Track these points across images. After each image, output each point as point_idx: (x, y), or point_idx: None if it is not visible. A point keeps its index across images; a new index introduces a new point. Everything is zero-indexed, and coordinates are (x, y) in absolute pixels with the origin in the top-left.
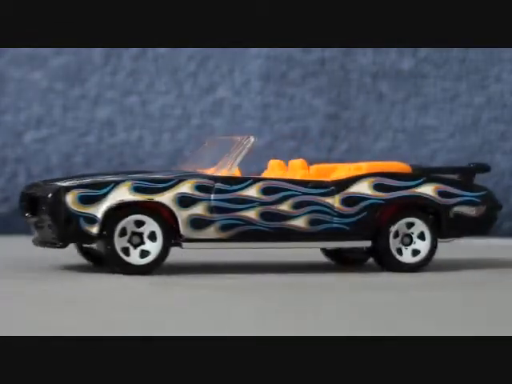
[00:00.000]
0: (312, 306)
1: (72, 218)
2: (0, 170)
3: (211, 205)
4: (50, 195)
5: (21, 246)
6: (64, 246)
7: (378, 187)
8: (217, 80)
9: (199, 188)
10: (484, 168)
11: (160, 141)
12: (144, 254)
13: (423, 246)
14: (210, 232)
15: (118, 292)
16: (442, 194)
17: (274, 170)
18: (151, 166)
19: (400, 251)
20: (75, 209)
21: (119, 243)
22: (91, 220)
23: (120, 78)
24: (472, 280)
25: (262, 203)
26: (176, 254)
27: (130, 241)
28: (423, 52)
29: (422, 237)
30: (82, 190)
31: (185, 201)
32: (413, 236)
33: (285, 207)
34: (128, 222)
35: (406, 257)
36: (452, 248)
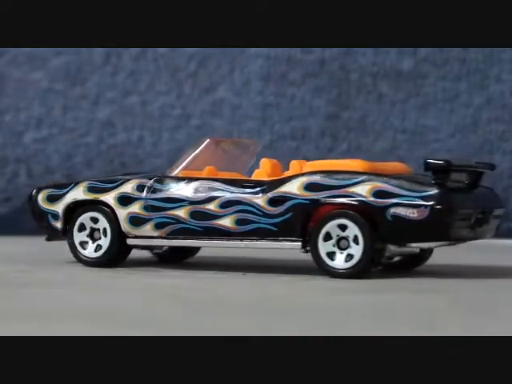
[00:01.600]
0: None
1: (43, 214)
2: (0, 171)
3: (147, 203)
4: (28, 196)
5: (21, 246)
6: (48, 239)
7: (308, 187)
8: (217, 80)
9: (138, 188)
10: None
11: (160, 141)
12: (98, 248)
13: (356, 251)
14: (147, 230)
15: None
16: (377, 194)
17: (266, 168)
18: (151, 166)
19: (333, 255)
20: (44, 206)
21: (78, 237)
22: (56, 216)
23: (120, 78)
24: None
25: (191, 202)
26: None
27: (91, 236)
28: (423, 52)
29: (356, 240)
30: (50, 190)
31: (124, 200)
32: (348, 239)
33: (212, 206)
34: (85, 218)
35: (338, 262)
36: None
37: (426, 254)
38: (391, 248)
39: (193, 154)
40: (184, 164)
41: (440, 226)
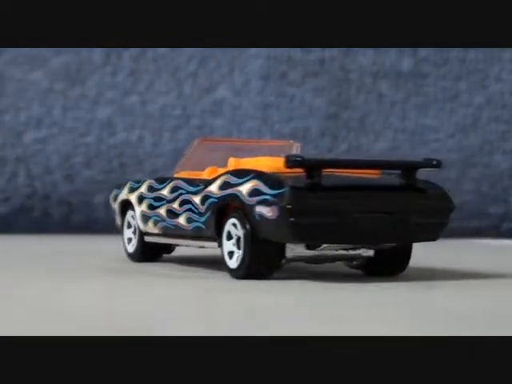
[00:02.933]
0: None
1: (113, 211)
2: (0, 170)
3: (149, 202)
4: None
5: (21, 246)
6: (116, 232)
7: (223, 185)
8: (217, 80)
9: (149, 188)
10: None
11: (160, 141)
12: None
13: (241, 250)
14: (150, 226)
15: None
16: (252, 192)
17: (230, 167)
18: (151, 166)
19: (232, 254)
20: (112, 203)
21: (126, 234)
22: (116, 213)
23: (120, 78)
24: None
25: (167, 201)
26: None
27: (134, 233)
28: (423, 52)
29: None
30: (113, 190)
31: (139, 199)
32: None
33: (175, 205)
34: (129, 216)
35: (232, 261)
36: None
37: (401, 255)
38: (291, 248)
39: (186, 156)
40: (179, 164)
41: (289, 225)
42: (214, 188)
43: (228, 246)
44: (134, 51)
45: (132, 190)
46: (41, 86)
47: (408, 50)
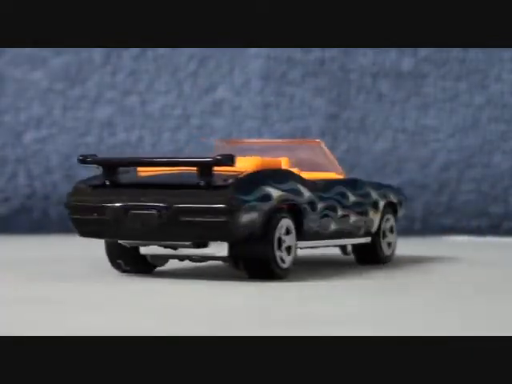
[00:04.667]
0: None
1: None
2: (0, 170)
3: None
4: None
5: (21, 246)
6: None
7: None
8: (217, 80)
9: None
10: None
11: (160, 141)
12: None
13: None
14: None
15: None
16: None
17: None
18: None
19: None
20: None
21: None
22: None
23: (120, 78)
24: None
25: None
26: None
27: None
28: (423, 52)
29: None
30: None
31: None
32: None
33: None
34: None
35: None
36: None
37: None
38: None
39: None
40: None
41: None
42: None
43: None
44: (133, 51)
45: None
46: (41, 86)
47: (408, 50)
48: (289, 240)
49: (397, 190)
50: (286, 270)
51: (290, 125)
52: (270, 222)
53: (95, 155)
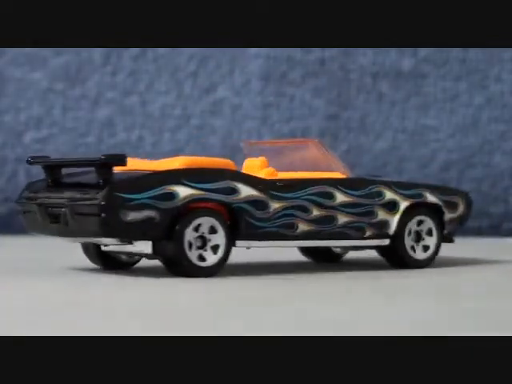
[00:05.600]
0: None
1: None
2: (0, 170)
3: None
4: None
5: (21, 246)
6: None
7: None
8: (217, 80)
9: None
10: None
11: (160, 141)
12: None
13: None
14: None
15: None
16: None
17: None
18: None
19: None
20: None
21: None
22: None
23: (120, 77)
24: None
25: None
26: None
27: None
28: (423, 52)
29: None
30: None
31: None
32: None
33: None
34: None
35: None
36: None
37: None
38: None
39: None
40: None
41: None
42: None
43: None
44: (133, 51)
45: None
46: (41, 86)
47: (408, 50)
48: (215, 239)
49: (451, 191)
50: (211, 268)
51: (290, 125)
52: (180, 220)
53: (46, 156)
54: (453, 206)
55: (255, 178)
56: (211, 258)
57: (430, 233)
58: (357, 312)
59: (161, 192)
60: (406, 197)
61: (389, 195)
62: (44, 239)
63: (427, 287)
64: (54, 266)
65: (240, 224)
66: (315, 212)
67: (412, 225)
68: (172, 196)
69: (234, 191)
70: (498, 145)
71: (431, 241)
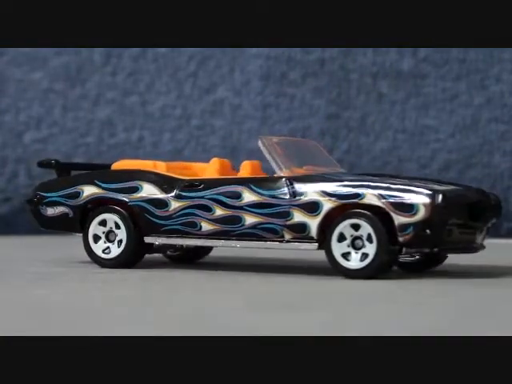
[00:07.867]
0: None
1: None
2: (0, 170)
3: None
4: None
5: (20, 247)
6: None
7: None
8: (217, 80)
9: None
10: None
11: (160, 141)
12: None
13: None
14: None
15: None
16: None
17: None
18: None
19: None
20: None
21: None
22: None
23: (120, 77)
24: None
25: None
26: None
27: None
28: (423, 52)
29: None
30: None
31: None
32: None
33: None
34: None
35: None
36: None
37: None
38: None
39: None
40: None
41: None
42: None
43: None
44: (133, 51)
45: None
46: (41, 86)
47: (408, 50)
48: (120, 234)
49: (409, 190)
50: (114, 259)
51: (289, 125)
52: (87, 216)
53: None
54: (407, 209)
55: (165, 178)
56: (115, 251)
57: (370, 239)
58: (353, 311)
59: (72, 191)
60: (335, 197)
61: (310, 195)
62: (44, 239)
63: (426, 287)
64: (54, 266)
65: (139, 221)
66: (219, 211)
67: (344, 229)
68: (78, 194)
69: (136, 190)
70: (497, 145)
71: (371, 249)
